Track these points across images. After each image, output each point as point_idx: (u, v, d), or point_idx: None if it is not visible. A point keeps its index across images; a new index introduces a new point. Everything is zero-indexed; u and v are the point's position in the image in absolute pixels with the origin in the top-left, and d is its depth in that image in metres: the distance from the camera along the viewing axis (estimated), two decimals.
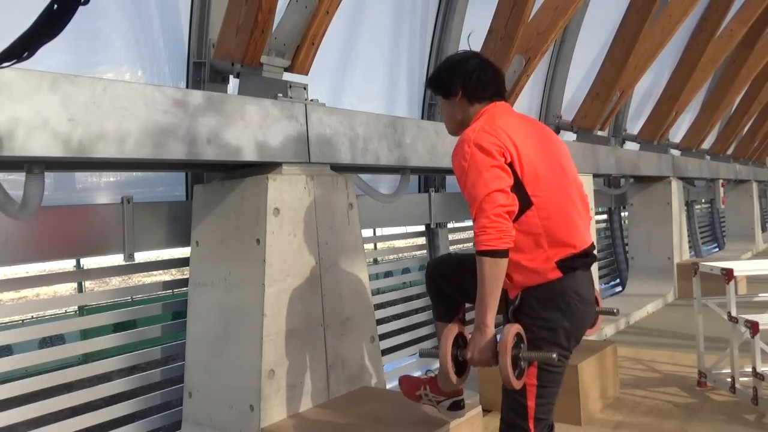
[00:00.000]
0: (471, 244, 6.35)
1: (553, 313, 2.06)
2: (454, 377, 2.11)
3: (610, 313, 2.68)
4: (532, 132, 2.19)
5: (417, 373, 4.71)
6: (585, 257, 2.15)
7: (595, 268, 5.75)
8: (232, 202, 2.93)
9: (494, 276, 1.97)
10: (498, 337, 2.02)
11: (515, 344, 1.98)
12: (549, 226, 2.06)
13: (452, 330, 2.14)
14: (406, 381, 2.58)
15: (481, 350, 2.02)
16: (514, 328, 2.01)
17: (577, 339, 2.14)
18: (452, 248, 5.48)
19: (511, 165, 2.03)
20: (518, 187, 2.04)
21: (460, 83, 2.22)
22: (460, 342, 2.15)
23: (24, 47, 1.63)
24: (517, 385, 2.00)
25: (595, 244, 2.28)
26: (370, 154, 3.46)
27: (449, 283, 2.41)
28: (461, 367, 2.16)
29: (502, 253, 1.97)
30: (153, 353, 3.22)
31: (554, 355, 2.00)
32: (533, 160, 2.08)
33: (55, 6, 1.58)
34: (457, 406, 2.47)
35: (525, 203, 2.04)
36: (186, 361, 3.08)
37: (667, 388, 3.99)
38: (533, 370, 2.08)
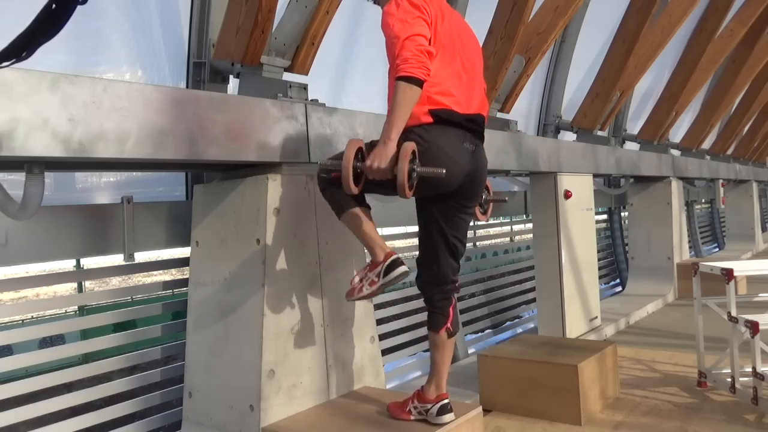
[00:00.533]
0: (471, 244, 6.36)
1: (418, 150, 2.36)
2: (353, 185, 2.32)
3: (501, 201, 3.27)
4: (452, 14, 2.61)
5: (417, 373, 4.74)
6: (461, 118, 2.50)
7: (594, 267, 5.76)
8: (232, 202, 2.93)
9: (408, 100, 2.27)
10: None
11: (411, 159, 2.26)
12: (435, 83, 2.42)
13: (354, 142, 2.38)
14: (393, 405, 2.70)
15: (381, 159, 2.26)
16: (411, 145, 2.29)
17: (428, 186, 2.42)
18: None
19: (430, 25, 2.40)
20: None
21: None
22: (359, 156, 2.37)
23: (22, 47, 1.63)
24: (409, 195, 2.30)
25: (484, 119, 2.67)
26: None
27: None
28: (359, 179, 2.38)
29: (418, 82, 2.27)
30: (153, 353, 3.22)
31: (443, 171, 2.31)
32: (444, 30, 2.47)
33: (54, 5, 1.57)
34: (445, 410, 2.58)
35: None
36: (186, 361, 3.08)
37: (667, 388, 3.99)
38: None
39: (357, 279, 2.55)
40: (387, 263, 2.48)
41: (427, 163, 2.36)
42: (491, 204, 3.26)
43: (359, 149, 2.39)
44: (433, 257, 2.68)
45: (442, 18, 2.50)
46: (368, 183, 2.43)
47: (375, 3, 2.73)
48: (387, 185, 2.35)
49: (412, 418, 2.62)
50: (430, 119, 2.44)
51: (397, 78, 2.27)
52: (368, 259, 2.66)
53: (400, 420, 2.63)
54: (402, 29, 2.32)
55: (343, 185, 2.36)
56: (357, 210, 2.55)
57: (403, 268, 2.48)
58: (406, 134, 2.40)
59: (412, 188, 2.32)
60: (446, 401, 2.60)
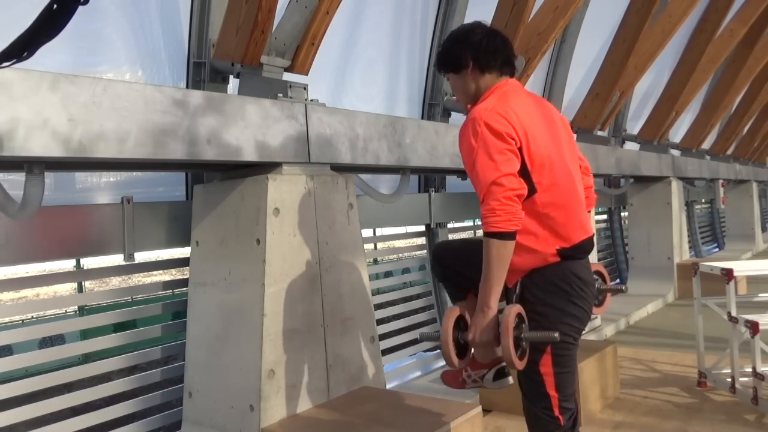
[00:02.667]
0: None
1: (554, 295, 2.07)
2: (455, 359, 2.07)
3: (619, 290, 2.70)
4: (541, 116, 2.18)
5: (417, 373, 4.74)
6: (582, 248, 2.17)
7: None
8: (232, 202, 2.93)
9: (501, 258, 1.97)
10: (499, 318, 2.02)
11: (516, 324, 1.98)
12: (551, 214, 2.07)
13: (453, 312, 2.11)
14: (447, 374, 2.55)
15: (482, 331, 2.00)
16: (516, 308, 2.01)
17: (582, 320, 2.14)
18: None
19: (519, 150, 2.02)
20: (524, 173, 2.02)
21: (470, 53, 2.20)
22: (461, 324, 2.12)
23: (23, 47, 1.63)
24: (519, 365, 2.00)
25: (594, 233, 2.30)
26: (370, 154, 3.46)
27: (451, 269, 2.44)
28: (462, 350, 2.13)
29: (510, 236, 1.96)
30: (153, 353, 3.22)
31: (556, 335, 1.99)
32: (541, 147, 2.07)
33: (55, 6, 1.58)
34: (502, 374, 2.40)
35: (530, 189, 2.04)
36: (186, 361, 3.08)
37: (667, 388, 3.99)
38: (547, 357, 2.08)
39: (462, 373, 2.41)
40: (495, 371, 2.34)
41: (571, 298, 2.08)
42: (608, 294, 2.78)
43: (460, 317, 2.11)
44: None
45: (532, 126, 2.08)
46: (563, 366, 2.11)
47: (444, 70, 2.36)
48: (571, 346, 2.10)
49: (467, 387, 2.48)
50: (557, 259, 2.10)
51: (486, 234, 1.97)
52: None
53: (457, 388, 2.51)
54: (487, 169, 1.97)
55: (444, 359, 2.08)
56: None
57: (509, 380, 2.37)
58: (526, 280, 2.11)
59: (524, 356, 2.02)
60: (502, 364, 2.38)
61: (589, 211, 2.42)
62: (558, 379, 2.10)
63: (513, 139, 2.01)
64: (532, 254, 2.07)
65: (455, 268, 2.40)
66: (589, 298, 2.15)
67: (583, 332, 2.21)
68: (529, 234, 2.05)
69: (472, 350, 2.14)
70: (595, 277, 2.54)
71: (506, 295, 2.13)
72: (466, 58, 2.20)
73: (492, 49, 2.21)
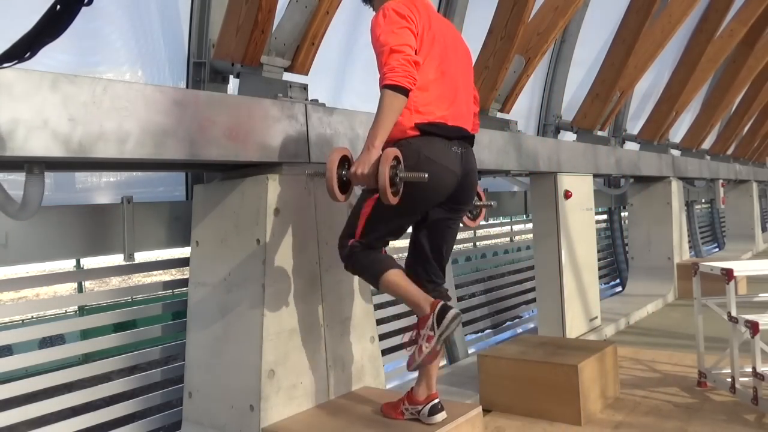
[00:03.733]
0: (471, 244, 6.36)
1: (407, 165, 2.39)
2: (338, 192, 2.38)
3: (488, 206, 3.23)
4: (442, 27, 2.60)
5: (417, 373, 4.72)
6: (448, 130, 2.52)
7: (594, 267, 5.76)
8: (232, 202, 2.93)
9: (392, 108, 2.29)
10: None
11: (394, 164, 2.28)
12: (422, 95, 2.44)
13: (339, 150, 2.43)
14: (386, 406, 2.71)
15: (365, 165, 2.30)
16: (395, 151, 2.32)
17: (427, 198, 2.53)
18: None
19: (416, 36, 2.41)
20: None
21: None
22: (345, 165, 2.41)
23: (26, 48, 1.63)
24: (393, 200, 2.30)
25: (473, 135, 2.71)
26: None
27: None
28: (345, 187, 2.43)
29: (404, 91, 2.29)
30: (153, 353, 3.22)
31: (425, 175, 2.31)
32: (432, 39, 2.48)
33: (58, 6, 1.58)
34: (435, 410, 2.58)
35: None
36: (186, 361, 3.08)
37: (667, 388, 3.99)
38: (371, 201, 2.49)
39: (411, 346, 2.51)
40: (436, 312, 2.41)
41: (416, 171, 2.38)
42: (483, 210, 3.25)
43: (344, 157, 2.42)
44: (422, 258, 2.75)
45: (429, 26, 2.51)
46: (377, 218, 2.51)
47: (366, 3, 2.82)
48: (395, 214, 2.43)
49: (405, 418, 2.62)
50: (416, 132, 2.47)
51: (383, 86, 2.29)
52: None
53: (396, 419, 2.63)
54: (388, 39, 2.34)
55: (328, 192, 2.39)
56: (392, 273, 2.52)
57: (453, 311, 2.41)
58: (393, 146, 2.44)
59: (397, 194, 2.34)
60: (436, 401, 2.59)
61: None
62: (367, 222, 2.53)
63: (413, 21, 2.41)
64: (396, 126, 2.39)
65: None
66: (436, 178, 2.42)
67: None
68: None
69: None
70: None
71: None
72: None
73: None
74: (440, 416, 2.58)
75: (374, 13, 2.59)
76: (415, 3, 2.51)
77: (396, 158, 2.32)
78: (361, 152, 2.35)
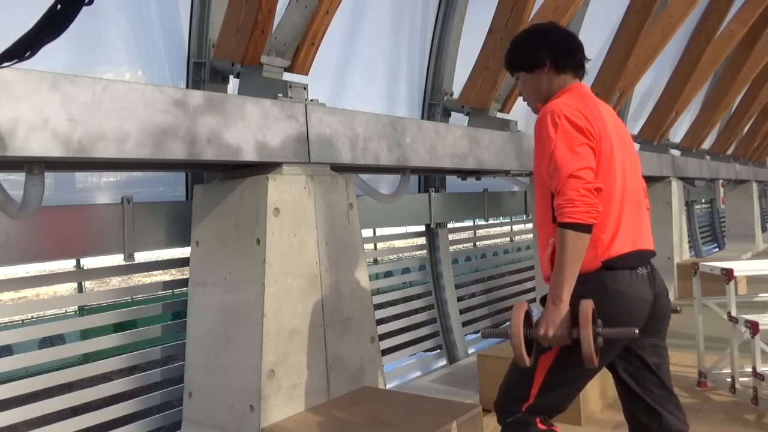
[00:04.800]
0: (471, 244, 6.36)
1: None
2: (526, 357, 1.94)
3: (674, 311, 2.55)
4: (611, 123, 2.13)
5: (417, 373, 4.73)
6: (637, 258, 2.07)
7: None
8: (232, 202, 2.93)
9: (576, 250, 1.90)
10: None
11: (593, 319, 1.88)
12: (607, 224, 2.01)
13: (521, 306, 1.99)
14: None
15: (556, 325, 1.91)
16: (590, 303, 1.90)
17: (616, 340, 2.01)
18: (452, 248, 5.47)
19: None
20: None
21: (548, 53, 2.15)
22: (527, 321, 2.01)
23: (26, 47, 1.63)
24: (597, 363, 1.91)
25: (654, 251, 2.21)
26: (370, 154, 3.46)
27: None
28: (529, 348, 1.99)
29: (587, 228, 1.90)
30: (153, 353, 3.22)
31: (636, 331, 1.90)
32: (609, 153, 2.03)
33: (59, 6, 1.58)
34: None
35: None
36: (186, 361, 3.08)
37: None
38: (549, 356, 2.03)
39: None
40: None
41: (606, 310, 1.96)
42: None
43: (527, 314, 2.00)
44: (639, 400, 2.23)
45: (605, 132, 2.04)
46: (561, 375, 2.07)
47: (514, 69, 2.32)
48: (569, 354, 1.98)
49: None
50: (598, 266, 2.02)
51: (562, 224, 1.90)
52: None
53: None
54: (566, 160, 1.92)
55: (515, 356, 1.95)
56: None
57: None
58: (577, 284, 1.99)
59: (599, 353, 1.91)
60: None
61: None
62: (546, 382, 2.05)
63: (592, 136, 1.98)
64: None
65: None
66: (633, 312, 2.03)
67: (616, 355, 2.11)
68: None
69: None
70: None
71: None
72: (543, 58, 2.16)
73: (570, 50, 2.18)
74: None
75: (536, 111, 2.19)
76: (588, 104, 2.07)
77: (593, 311, 1.90)
78: (546, 308, 1.95)
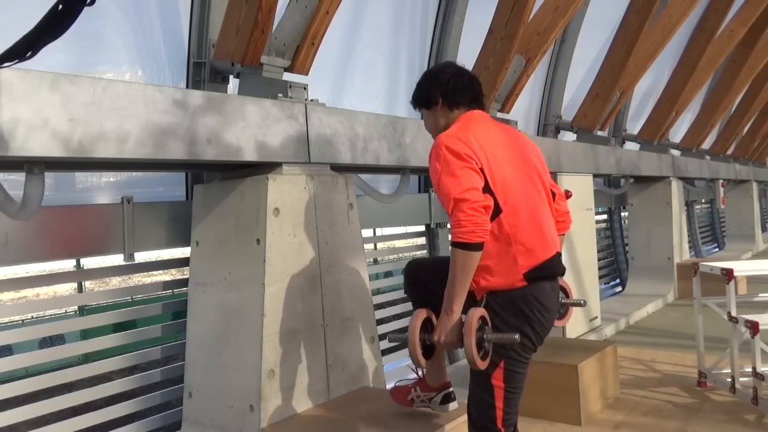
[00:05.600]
0: None
1: (514, 318, 2.15)
2: (422, 359, 2.19)
3: (578, 304, 2.87)
4: (504, 141, 2.29)
5: (411, 376, 4.73)
6: (551, 268, 2.23)
7: (594, 267, 5.75)
8: (232, 202, 2.93)
9: (465, 268, 2.06)
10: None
11: (480, 327, 2.08)
12: (517, 234, 2.15)
13: (420, 314, 2.23)
14: (396, 390, 2.67)
15: (447, 332, 2.10)
16: (479, 312, 2.10)
17: (535, 342, 2.22)
18: None
19: (482, 170, 2.13)
20: (488, 191, 2.12)
21: (439, 91, 2.34)
22: (428, 326, 2.23)
23: (27, 47, 1.63)
24: (481, 365, 2.09)
25: (561, 252, 2.39)
26: (370, 154, 3.46)
27: (422, 287, 2.48)
28: (429, 351, 2.25)
29: (475, 247, 2.04)
30: (153, 353, 3.22)
31: (516, 336, 2.09)
32: (503, 170, 2.18)
33: (60, 6, 1.58)
34: (448, 399, 2.54)
35: (495, 209, 2.12)
36: (186, 361, 3.08)
37: (667, 388, 3.99)
38: (499, 371, 2.17)
39: (411, 392, 2.52)
40: (443, 395, 2.49)
41: (535, 322, 2.15)
42: (570, 307, 2.91)
43: (427, 319, 2.23)
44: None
45: (493, 151, 2.18)
46: (513, 388, 2.20)
47: (418, 107, 2.48)
48: (522, 370, 2.20)
49: (414, 406, 2.59)
50: (524, 283, 2.16)
51: (453, 244, 2.06)
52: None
53: (403, 406, 2.62)
54: (450, 186, 2.07)
55: (411, 358, 2.20)
56: None
57: (454, 405, 2.50)
58: (490, 300, 2.18)
59: (486, 357, 2.10)
60: (450, 390, 2.55)
61: (561, 235, 2.56)
62: (506, 394, 2.18)
63: (472, 159, 2.12)
64: (499, 277, 2.15)
65: (427, 286, 2.43)
66: (547, 323, 2.23)
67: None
68: (497, 258, 2.13)
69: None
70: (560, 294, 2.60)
71: (473, 304, 2.20)
72: (436, 96, 2.35)
73: (459, 88, 2.34)
74: (453, 405, 2.54)
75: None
76: (472, 129, 2.21)
77: (482, 319, 2.09)
78: (440, 318, 2.14)
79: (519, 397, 2.25)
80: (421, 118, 2.50)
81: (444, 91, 2.34)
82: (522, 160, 2.30)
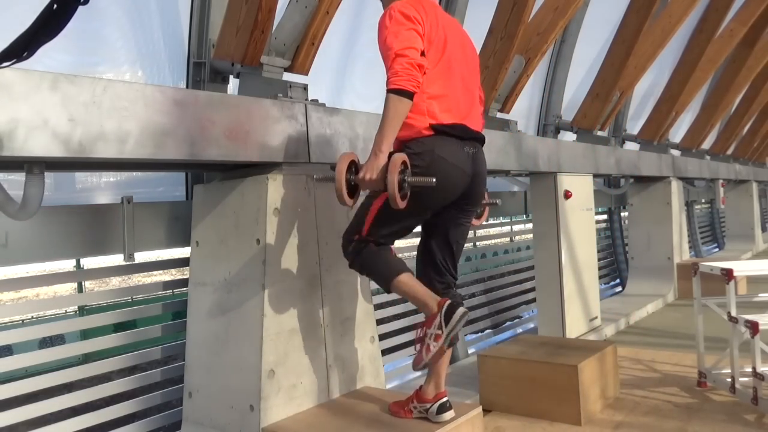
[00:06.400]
0: (471, 244, 6.36)
1: (420, 164, 2.42)
2: (347, 197, 2.38)
3: (494, 204, 3.27)
4: (449, 26, 2.60)
5: (417, 373, 4.72)
6: (463, 132, 2.54)
7: (594, 268, 5.76)
8: (232, 202, 2.93)
9: (398, 112, 2.31)
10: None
11: (401, 170, 2.30)
12: (435, 95, 2.46)
13: (347, 156, 2.43)
14: (394, 405, 2.71)
15: (372, 171, 2.31)
16: (402, 156, 2.33)
17: (437, 198, 2.52)
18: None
19: (424, 36, 2.41)
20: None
21: None
22: (353, 168, 2.43)
23: (24, 47, 1.63)
24: (401, 205, 2.32)
25: (484, 135, 2.72)
26: None
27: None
28: (353, 191, 2.45)
29: (408, 95, 2.30)
30: (153, 353, 3.22)
31: (433, 180, 2.34)
32: (441, 43, 2.49)
33: (55, 6, 1.58)
34: (444, 408, 2.59)
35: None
36: (186, 361, 3.08)
37: (667, 388, 3.99)
38: (378, 202, 2.48)
39: (417, 345, 2.48)
40: (444, 311, 2.41)
41: (431, 173, 2.39)
42: (486, 208, 3.28)
43: (352, 162, 2.43)
44: (432, 259, 2.77)
45: (436, 25, 2.50)
46: (386, 217, 2.50)
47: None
48: (404, 214, 2.43)
49: (413, 416, 2.63)
50: (430, 132, 2.48)
51: (388, 91, 2.31)
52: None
53: (403, 417, 2.64)
54: (394, 42, 2.33)
55: (337, 197, 2.40)
56: (402, 277, 2.54)
57: (461, 309, 2.43)
58: (404, 147, 2.48)
59: (406, 198, 2.34)
60: (445, 399, 2.61)
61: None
62: (377, 219, 2.51)
63: (419, 23, 2.39)
64: (410, 127, 2.44)
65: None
66: (449, 178, 2.48)
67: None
68: (412, 110, 2.39)
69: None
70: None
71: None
72: None
73: None
74: (448, 415, 2.59)
75: (382, 11, 2.58)
76: (422, 2, 2.50)
77: (404, 163, 2.33)
78: (369, 158, 2.36)
79: (387, 231, 2.56)
80: None
81: None
82: (459, 46, 2.62)
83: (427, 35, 2.43)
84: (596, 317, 5.69)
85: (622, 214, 9.08)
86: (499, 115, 5.12)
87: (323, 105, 3.20)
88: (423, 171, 2.41)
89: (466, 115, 2.59)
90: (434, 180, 2.34)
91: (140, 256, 3.11)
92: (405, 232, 2.70)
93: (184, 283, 3.22)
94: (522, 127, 5.24)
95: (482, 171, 2.70)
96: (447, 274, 2.77)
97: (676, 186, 8.06)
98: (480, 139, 2.69)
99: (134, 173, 3.27)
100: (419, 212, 2.58)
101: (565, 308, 5.11)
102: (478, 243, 6.54)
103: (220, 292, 2.93)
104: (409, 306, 4.99)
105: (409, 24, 2.37)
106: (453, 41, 2.59)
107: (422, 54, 2.37)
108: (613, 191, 7.98)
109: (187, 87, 3.39)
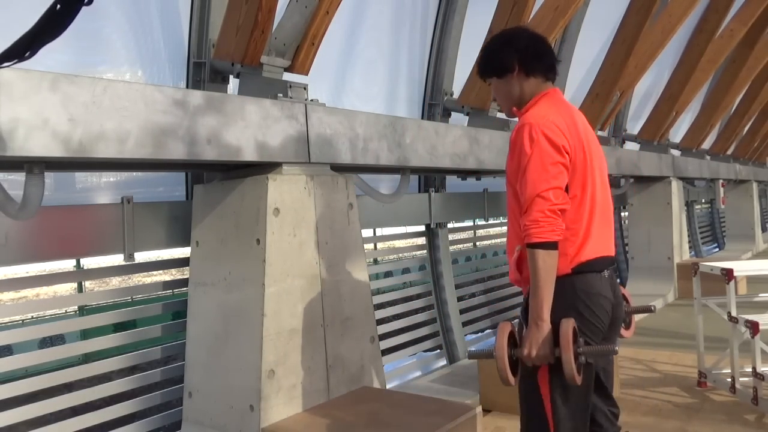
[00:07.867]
0: (471, 244, 6.36)
1: (562, 308, 1.99)
2: (511, 377, 1.99)
3: (647, 310, 2.65)
4: (583, 130, 2.15)
5: (417, 373, 4.73)
6: (601, 263, 2.11)
7: None
8: (232, 202, 2.93)
9: (548, 268, 1.94)
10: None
11: (573, 339, 1.90)
12: (576, 231, 2.05)
13: (506, 326, 2.04)
14: None
15: (537, 345, 1.94)
16: (571, 322, 1.93)
17: (593, 333, 2.04)
18: (452, 248, 5.47)
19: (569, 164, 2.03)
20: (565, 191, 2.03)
21: (516, 57, 2.15)
22: (512, 341, 2.05)
23: (26, 47, 1.63)
24: (579, 380, 1.93)
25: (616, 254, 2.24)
26: (370, 154, 3.46)
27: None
28: (515, 368, 2.04)
29: (554, 245, 1.94)
30: (153, 353, 3.22)
31: (616, 348, 1.96)
32: (583, 162, 2.07)
33: (58, 6, 1.58)
34: None
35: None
36: (186, 361, 3.08)
37: (667, 388, 3.99)
38: (544, 385, 2.02)
39: None
40: None
41: (574, 308, 2.02)
42: (633, 316, 2.70)
43: (511, 333, 2.04)
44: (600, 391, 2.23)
45: (579, 143, 2.07)
46: (564, 394, 2.02)
47: (486, 75, 2.29)
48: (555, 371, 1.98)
49: None
50: (569, 272, 2.06)
51: (530, 245, 1.94)
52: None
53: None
54: (537, 180, 1.96)
55: (500, 377, 2.00)
56: None
57: None
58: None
59: (581, 372, 1.94)
60: None
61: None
62: (555, 401, 2.02)
63: (567, 153, 2.01)
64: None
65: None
66: (601, 312, 2.06)
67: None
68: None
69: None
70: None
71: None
72: (512, 62, 2.16)
73: (538, 54, 2.18)
74: None
75: (516, 122, 2.17)
76: (563, 115, 2.09)
77: (574, 330, 1.93)
78: (528, 329, 1.97)
79: (580, 412, 2.05)
80: (487, 84, 2.28)
81: (522, 57, 2.14)
82: (597, 153, 2.18)
83: (572, 162, 2.03)
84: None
85: (622, 214, 9.08)
86: (499, 115, 5.12)
87: (323, 105, 3.20)
88: (565, 312, 1.99)
89: (605, 244, 2.14)
90: (617, 348, 1.96)
91: (140, 256, 3.11)
92: (587, 408, 2.11)
93: (184, 283, 3.22)
94: None
95: (620, 294, 2.26)
96: (614, 405, 2.28)
97: (676, 186, 8.06)
98: (614, 260, 2.25)
99: (134, 173, 3.27)
100: (588, 369, 2.05)
101: None
102: (478, 243, 6.55)
103: (220, 292, 2.93)
104: (410, 306, 5.00)
105: (556, 156, 1.98)
106: (590, 151, 2.14)
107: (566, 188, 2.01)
108: (613, 191, 7.96)
109: (187, 87, 3.39)
